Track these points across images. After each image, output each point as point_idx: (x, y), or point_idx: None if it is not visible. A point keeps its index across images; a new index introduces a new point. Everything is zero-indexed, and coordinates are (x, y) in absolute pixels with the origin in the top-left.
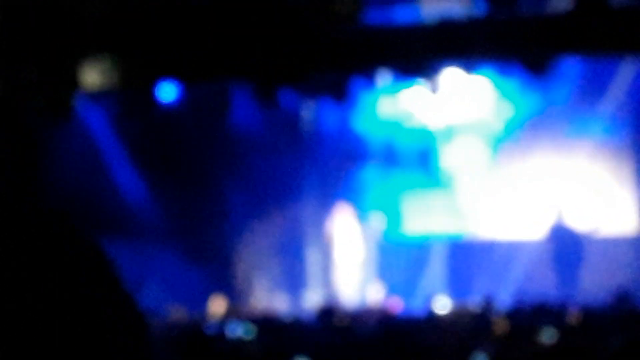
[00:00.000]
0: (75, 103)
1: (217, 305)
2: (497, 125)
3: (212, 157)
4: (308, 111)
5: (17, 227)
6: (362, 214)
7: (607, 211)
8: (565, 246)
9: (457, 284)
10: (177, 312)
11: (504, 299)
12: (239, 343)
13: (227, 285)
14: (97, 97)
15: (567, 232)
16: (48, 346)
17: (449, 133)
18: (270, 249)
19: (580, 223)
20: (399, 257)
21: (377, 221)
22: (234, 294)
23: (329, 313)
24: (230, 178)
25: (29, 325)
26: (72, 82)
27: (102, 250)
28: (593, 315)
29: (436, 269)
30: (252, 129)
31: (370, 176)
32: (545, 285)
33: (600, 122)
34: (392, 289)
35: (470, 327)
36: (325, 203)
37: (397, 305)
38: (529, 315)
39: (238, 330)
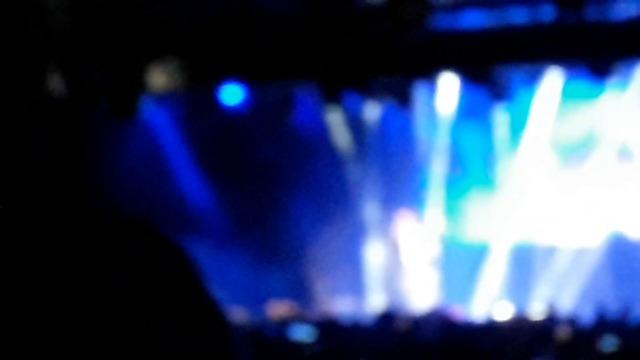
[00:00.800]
0: (141, 104)
1: (279, 308)
2: (562, 130)
3: (276, 159)
4: (372, 114)
5: (97, 232)
6: (424, 218)
7: None
8: (625, 254)
9: (517, 290)
10: (238, 314)
11: (565, 305)
12: (299, 345)
13: (290, 288)
14: (163, 98)
15: (627, 240)
16: (137, 355)
17: (514, 138)
18: (333, 252)
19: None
20: (460, 261)
21: (440, 226)
22: (297, 297)
23: (389, 317)
24: (295, 181)
25: (116, 334)
26: (139, 84)
27: (188, 256)
28: None
29: (497, 274)
30: (316, 132)
31: (434, 180)
32: (605, 293)
33: None
34: (452, 294)
35: (531, 334)
36: (389, 207)
37: (459, 311)
38: (590, 323)
39: (299, 333)
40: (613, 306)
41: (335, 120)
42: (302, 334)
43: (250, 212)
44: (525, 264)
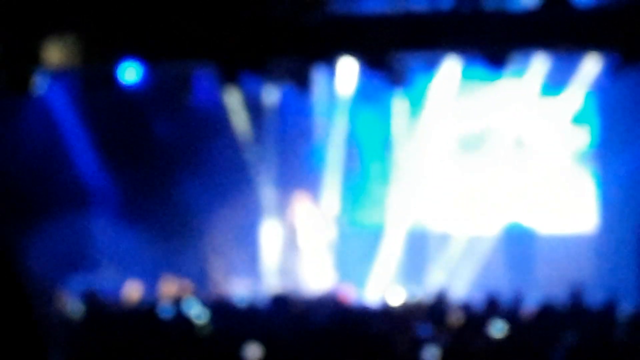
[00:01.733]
0: (36, 80)
1: (172, 286)
2: (459, 118)
3: (174, 139)
4: (271, 96)
5: None
6: (321, 200)
7: (566, 208)
8: (519, 243)
9: (411, 275)
10: (132, 289)
11: (458, 291)
12: (192, 326)
13: (186, 267)
14: (59, 74)
15: (521, 228)
16: None
17: (411, 123)
18: (230, 233)
19: (536, 220)
20: (356, 245)
21: (336, 208)
22: (193, 276)
23: (283, 300)
24: (192, 160)
25: None
26: (34, 58)
27: None
28: (547, 311)
29: (391, 258)
30: (214, 113)
31: (331, 163)
32: (498, 281)
33: (561, 116)
34: (347, 277)
35: (423, 318)
36: (286, 189)
37: (350, 292)
38: (481, 309)
39: (191, 312)
40: (505, 293)
41: (234, 102)
42: (196, 314)
43: (147, 190)
44: (419, 249)
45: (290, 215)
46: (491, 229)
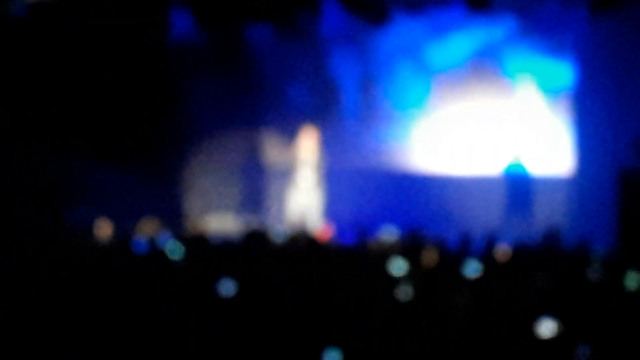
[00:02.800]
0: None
1: (149, 224)
2: (440, 61)
3: (153, 75)
4: (256, 36)
5: None
6: (298, 142)
7: (542, 152)
8: (514, 184)
9: (396, 216)
10: (105, 227)
11: (431, 231)
12: (167, 262)
13: (162, 203)
14: None
15: (516, 170)
16: None
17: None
18: (208, 169)
19: (520, 161)
20: (340, 185)
21: (315, 150)
22: (168, 213)
23: (257, 236)
24: (173, 98)
25: None
26: None
27: None
28: (520, 252)
29: (376, 199)
30: (191, 51)
31: (312, 105)
32: (472, 221)
33: (540, 65)
34: (331, 216)
35: (398, 257)
36: (265, 130)
37: (327, 231)
38: (456, 249)
39: (168, 249)
40: (478, 234)
41: (212, 39)
42: (170, 249)
43: (126, 126)
44: (405, 190)
45: (296, 151)
46: (481, 170)
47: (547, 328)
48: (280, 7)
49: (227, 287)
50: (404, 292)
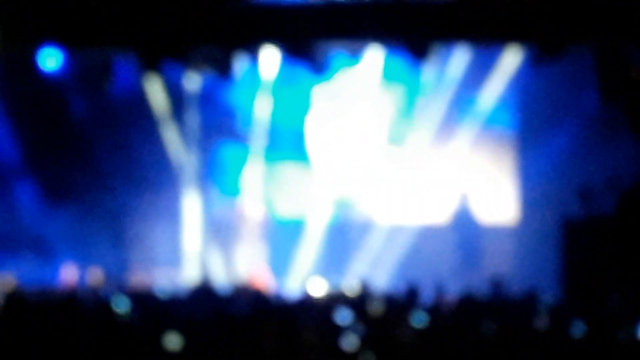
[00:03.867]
0: None
1: (94, 276)
2: (385, 108)
3: (92, 124)
4: (192, 83)
5: None
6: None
7: (487, 200)
8: (462, 232)
9: (333, 266)
10: (69, 272)
11: (379, 282)
12: (113, 314)
13: (108, 253)
14: None
15: (464, 218)
16: None
17: (333, 113)
18: (150, 222)
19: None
20: (278, 236)
21: (258, 201)
22: (114, 264)
23: (204, 291)
24: (113, 147)
25: None
26: None
27: None
28: (467, 302)
29: (312, 250)
30: (134, 99)
31: (252, 153)
32: (419, 272)
33: (483, 110)
34: (273, 269)
35: (343, 307)
36: (206, 179)
37: (264, 276)
38: (402, 299)
39: (114, 303)
40: (426, 284)
41: (154, 88)
42: (116, 303)
43: (68, 175)
44: (340, 239)
45: (236, 210)
46: (422, 218)
47: None
48: (218, 54)
49: (173, 341)
50: (350, 342)
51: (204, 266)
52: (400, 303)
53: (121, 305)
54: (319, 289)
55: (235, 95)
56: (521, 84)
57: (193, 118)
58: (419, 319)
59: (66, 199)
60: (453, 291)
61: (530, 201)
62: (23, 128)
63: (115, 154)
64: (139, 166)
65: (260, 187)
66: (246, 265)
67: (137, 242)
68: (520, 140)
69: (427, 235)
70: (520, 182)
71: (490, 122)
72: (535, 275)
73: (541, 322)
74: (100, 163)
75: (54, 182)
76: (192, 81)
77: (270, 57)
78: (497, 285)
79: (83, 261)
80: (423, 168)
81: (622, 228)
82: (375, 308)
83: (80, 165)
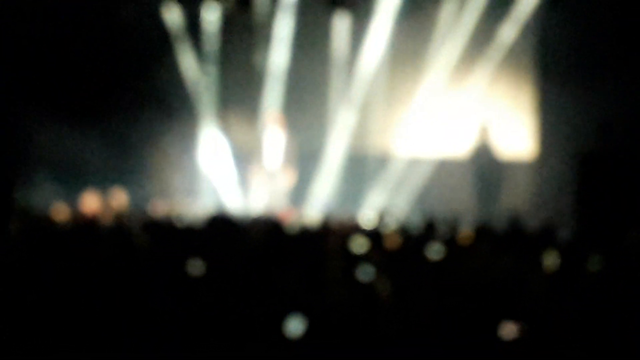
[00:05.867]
0: None
1: (118, 199)
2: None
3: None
4: (211, 14)
5: None
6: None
7: (506, 134)
8: (481, 166)
9: (351, 197)
10: (90, 199)
11: (396, 213)
12: (131, 241)
13: (127, 182)
14: None
15: (484, 152)
16: None
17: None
18: (170, 152)
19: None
20: (306, 168)
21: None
22: (132, 193)
23: (222, 219)
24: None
25: None
26: None
27: None
28: (484, 234)
29: (330, 181)
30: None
31: (272, 89)
32: (436, 203)
33: (504, 43)
34: (294, 200)
35: (360, 239)
36: (228, 109)
37: (289, 215)
38: (419, 231)
39: (134, 230)
40: (442, 217)
41: (174, 20)
42: (135, 230)
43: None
44: (358, 172)
45: (262, 135)
46: (428, 153)
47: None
48: None
49: (196, 267)
50: (366, 273)
51: (223, 195)
52: (417, 235)
53: (139, 232)
54: (336, 220)
55: (255, 25)
56: (543, 17)
57: (211, 45)
58: (435, 251)
59: (89, 125)
60: (470, 224)
61: (549, 136)
62: (46, 54)
63: (134, 78)
64: (159, 93)
65: (281, 114)
66: (267, 195)
67: (156, 171)
68: (541, 74)
69: (445, 168)
70: (539, 117)
71: (511, 55)
72: (553, 210)
73: (556, 256)
74: (121, 88)
75: (80, 105)
76: (212, 11)
77: None
78: (514, 219)
79: (106, 187)
80: (443, 101)
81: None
82: (392, 239)
83: (101, 91)
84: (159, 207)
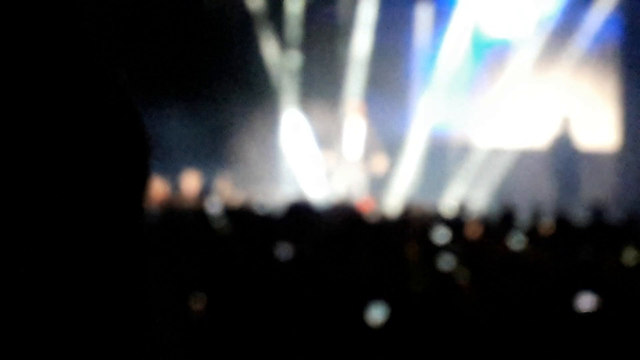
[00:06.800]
0: None
1: (223, 185)
2: (490, 32)
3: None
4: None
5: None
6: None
7: (588, 125)
8: (562, 157)
9: (431, 187)
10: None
11: (477, 204)
12: (212, 227)
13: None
14: None
15: (565, 143)
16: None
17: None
18: (250, 138)
19: (570, 134)
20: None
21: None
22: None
23: (300, 207)
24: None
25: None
26: None
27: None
28: (565, 225)
29: (411, 170)
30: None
31: (355, 74)
32: (518, 194)
33: (587, 32)
34: (375, 189)
35: (441, 229)
36: (309, 99)
37: (369, 204)
38: (499, 222)
39: (213, 213)
40: (523, 208)
41: (258, 7)
42: (217, 215)
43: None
44: (439, 162)
45: (345, 124)
46: (530, 142)
47: (587, 302)
48: None
49: (286, 250)
50: (447, 262)
51: (304, 183)
52: (497, 225)
53: (221, 218)
54: (418, 209)
55: (339, 15)
56: (627, 7)
57: (293, 33)
58: (516, 241)
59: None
60: (551, 215)
61: (633, 127)
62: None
63: (217, 64)
64: (242, 80)
65: (363, 102)
66: (347, 184)
67: (237, 157)
68: (624, 65)
69: (526, 159)
70: (622, 107)
71: (595, 45)
72: (636, 202)
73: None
74: (206, 73)
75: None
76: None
77: None
78: (596, 211)
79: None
80: (524, 91)
81: None
82: (472, 230)
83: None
84: (233, 193)
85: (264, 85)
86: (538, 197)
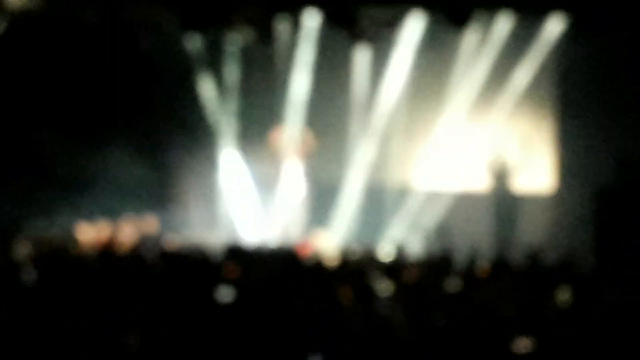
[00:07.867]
0: None
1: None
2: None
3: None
4: (234, 45)
5: None
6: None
7: (525, 169)
8: (500, 200)
9: (369, 230)
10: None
11: (414, 247)
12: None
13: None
14: None
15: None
16: None
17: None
18: (189, 182)
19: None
20: (317, 200)
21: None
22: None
23: (239, 251)
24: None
25: None
26: None
27: None
28: (501, 268)
29: (348, 214)
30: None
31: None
32: (455, 237)
33: (523, 78)
34: (312, 232)
35: (379, 273)
36: (248, 143)
37: (307, 247)
38: (437, 265)
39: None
40: (460, 250)
41: (196, 47)
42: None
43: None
44: (377, 205)
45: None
46: (448, 186)
47: (523, 345)
48: (260, 16)
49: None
50: (385, 308)
51: (239, 226)
52: (435, 267)
53: (156, 261)
54: (354, 253)
55: (275, 58)
56: (563, 53)
57: (232, 76)
58: (453, 285)
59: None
60: (487, 258)
61: (568, 170)
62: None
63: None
64: (182, 122)
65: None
66: (286, 227)
67: (175, 203)
68: (560, 109)
69: (464, 201)
70: (558, 151)
71: (531, 90)
72: (571, 244)
73: (572, 291)
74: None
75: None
76: (233, 41)
77: (311, 22)
78: (532, 253)
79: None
80: (462, 135)
81: None
82: (410, 272)
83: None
84: (174, 237)
85: (203, 127)
86: (476, 239)
